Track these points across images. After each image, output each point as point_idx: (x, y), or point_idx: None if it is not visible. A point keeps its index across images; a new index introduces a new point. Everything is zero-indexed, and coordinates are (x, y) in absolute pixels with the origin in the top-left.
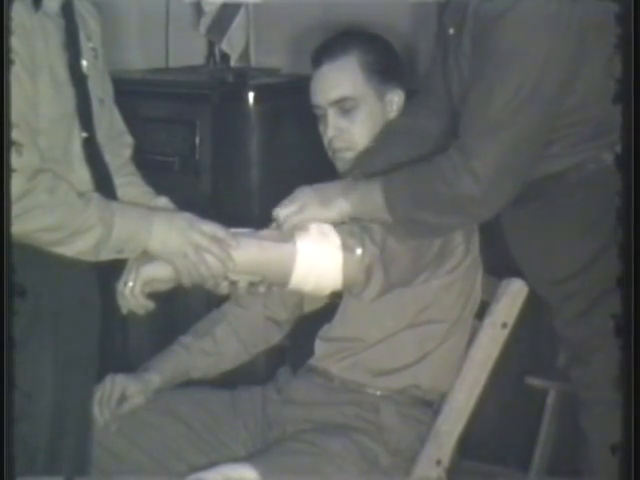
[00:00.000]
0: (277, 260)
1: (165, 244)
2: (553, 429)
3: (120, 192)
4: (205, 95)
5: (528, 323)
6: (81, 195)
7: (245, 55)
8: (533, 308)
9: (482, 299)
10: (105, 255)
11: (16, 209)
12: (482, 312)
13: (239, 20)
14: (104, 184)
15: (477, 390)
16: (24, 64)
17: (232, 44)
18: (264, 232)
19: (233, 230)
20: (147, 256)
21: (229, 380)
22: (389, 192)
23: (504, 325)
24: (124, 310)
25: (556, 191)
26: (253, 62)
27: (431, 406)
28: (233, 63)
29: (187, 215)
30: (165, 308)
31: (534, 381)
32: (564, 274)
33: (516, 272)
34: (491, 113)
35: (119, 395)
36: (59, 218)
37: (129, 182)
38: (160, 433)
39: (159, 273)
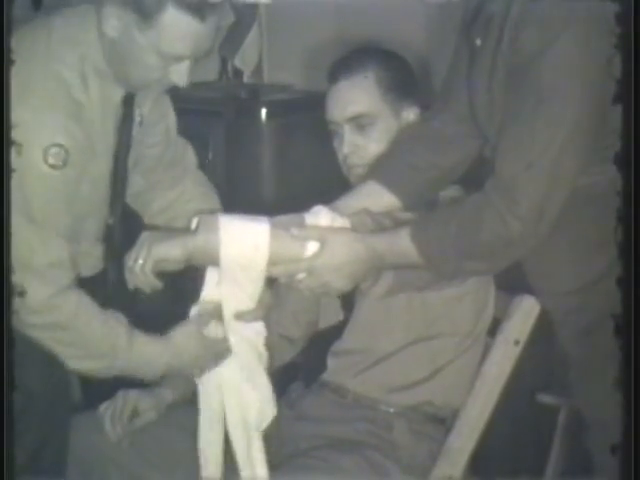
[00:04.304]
0: (288, 250)
1: (180, 362)
2: (565, 446)
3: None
4: (218, 111)
5: (540, 340)
6: (104, 315)
7: (258, 71)
8: (545, 325)
9: (494, 316)
10: (113, 374)
11: (34, 319)
12: (494, 329)
13: (252, 36)
14: (113, 259)
15: (489, 407)
16: (75, 167)
17: (245, 60)
18: (277, 219)
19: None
20: (159, 234)
21: None
22: (425, 249)
23: (517, 342)
24: (131, 286)
25: (569, 206)
26: (266, 78)
27: (444, 423)
28: (246, 79)
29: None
30: (177, 323)
31: (546, 398)
32: (570, 286)
33: (528, 289)
34: (535, 155)
35: (131, 410)
36: (75, 338)
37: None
38: (172, 448)
39: (171, 253)
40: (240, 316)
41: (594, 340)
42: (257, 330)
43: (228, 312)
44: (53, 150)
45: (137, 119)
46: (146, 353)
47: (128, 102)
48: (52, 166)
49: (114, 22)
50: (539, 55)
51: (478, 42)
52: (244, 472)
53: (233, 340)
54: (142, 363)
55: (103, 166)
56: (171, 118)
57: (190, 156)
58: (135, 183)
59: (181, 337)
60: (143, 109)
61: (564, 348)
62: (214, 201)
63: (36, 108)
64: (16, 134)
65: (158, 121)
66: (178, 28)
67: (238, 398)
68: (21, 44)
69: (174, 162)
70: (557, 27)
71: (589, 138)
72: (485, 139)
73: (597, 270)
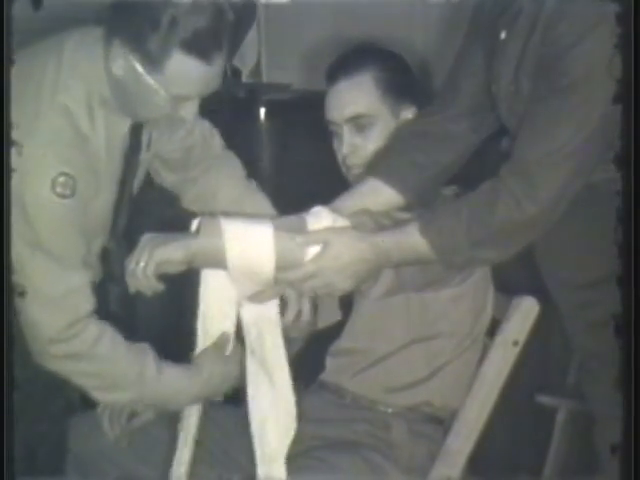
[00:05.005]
0: (291, 252)
1: (209, 390)
2: (563, 446)
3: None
4: (216, 110)
5: (539, 341)
6: (129, 345)
7: (257, 70)
8: (544, 326)
9: (493, 317)
10: (142, 407)
11: (52, 350)
12: (493, 330)
13: (251, 36)
14: (111, 277)
15: (488, 408)
16: (82, 197)
17: (244, 59)
18: (278, 221)
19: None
20: (160, 236)
21: (240, 396)
22: (436, 240)
23: (515, 343)
24: (132, 289)
25: (589, 200)
26: (264, 77)
27: (442, 423)
28: (245, 79)
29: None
30: (176, 323)
31: (544, 399)
32: (583, 280)
33: (527, 290)
34: (561, 141)
35: (129, 410)
36: (97, 368)
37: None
38: (169, 448)
39: (173, 256)
40: (253, 298)
41: (604, 335)
42: (270, 309)
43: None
44: (61, 179)
45: (144, 143)
46: (176, 383)
47: (136, 131)
48: (61, 195)
49: (120, 62)
50: (572, 47)
51: (503, 35)
52: (260, 469)
53: (251, 338)
54: (172, 394)
55: (107, 195)
56: (190, 125)
57: (217, 144)
58: (167, 179)
59: (208, 363)
60: (153, 133)
61: (572, 343)
62: (242, 187)
63: (43, 141)
64: (24, 167)
65: (175, 130)
66: (185, 72)
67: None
68: (33, 67)
69: (202, 158)
70: (591, 22)
71: (614, 130)
72: (483, 132)
73: (610, 265)
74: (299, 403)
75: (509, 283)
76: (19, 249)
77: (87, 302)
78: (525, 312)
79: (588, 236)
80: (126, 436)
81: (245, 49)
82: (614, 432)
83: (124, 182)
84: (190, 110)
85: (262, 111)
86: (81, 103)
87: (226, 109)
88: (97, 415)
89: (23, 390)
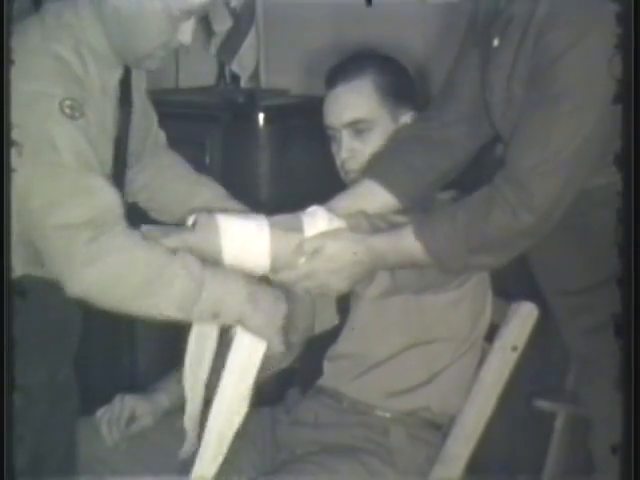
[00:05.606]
0: (284, 250)
1: (260, 300)
2: (562, 451)
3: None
4: (215, 116)
5: (537, 345)
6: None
7: (255, 76)
8: (543, 331)
9: (492, 322)
10: (198, 315)
11: (88, 253)
12: (492, 335)
13: (249, 41)
14: None
15: (486, 413)
16: (90, 124)
17: (242, 65)
18: (275, 219)
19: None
20: (156, 229)
21: None
22: (431, 245)
23: (514, 348)
24: None
25: (583, 206)
26: (263, 83)
27: (440, 428)
28: (243, 84)
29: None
30: (175, 328)
31: (543, 403)
32: (578, 286)
33: (526, 295)
34: (556, 148)
35: (128, 415)
36: (135, 264)
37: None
38: (168, 454)
39: (169, 248)
40: None
41: (599, 339)
42: None
43: None
44: (67, 102)
45: (133, 100)
46: (225, 277)
47: (125, 84)
48: (71, 116)
49: None
50: (564, 54)
51: (496, 42)
52: None
53: None
54: (223, 292)
55: (107, 152)
56: (152, 115)
57: (163, 136)
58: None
59: (254, 282)
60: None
61: (568, 347)
62: (193, 178)
63: (41, 75)
64: (29, 101)
65: (141, 119)
66: None
67: None
68: (16, 38)
69: (152, 148)
70: (584, 27)
71: (608, 136)
72: (480, 139)
73: (606, 270)
74: (297, 408)
75: (508, 288)
76: (35, 178)
77: (117, 200)
78: (524, 317)
79: (582, 241)
80: (124, 441)
81: (244, 54)
82: (610, 436)
83: (119, 140)
84: (187, 33)
85: (261, 116)
86: (72, 51)
87: (225, 114)
88: (95, 420)
89: (24, 392)
